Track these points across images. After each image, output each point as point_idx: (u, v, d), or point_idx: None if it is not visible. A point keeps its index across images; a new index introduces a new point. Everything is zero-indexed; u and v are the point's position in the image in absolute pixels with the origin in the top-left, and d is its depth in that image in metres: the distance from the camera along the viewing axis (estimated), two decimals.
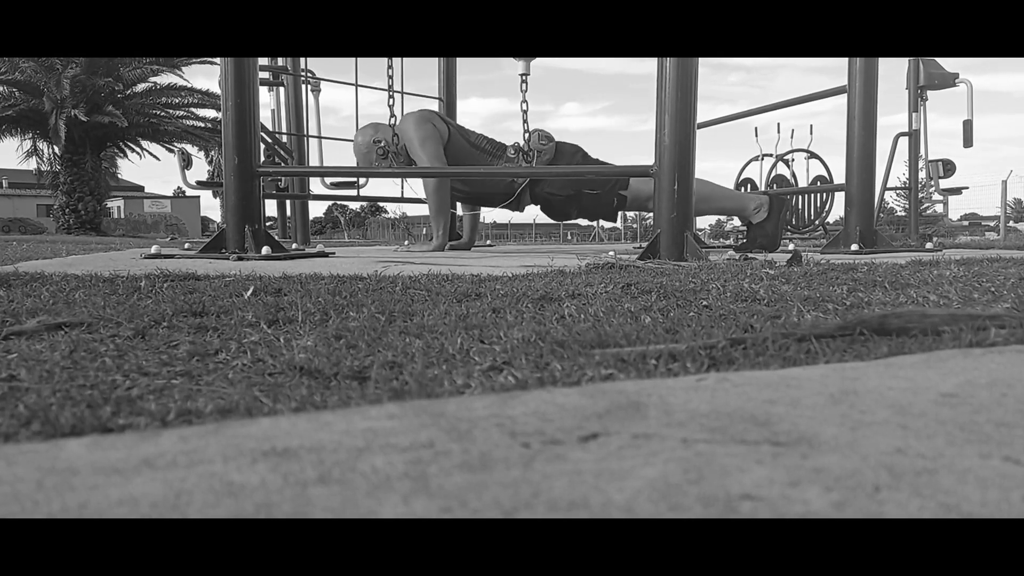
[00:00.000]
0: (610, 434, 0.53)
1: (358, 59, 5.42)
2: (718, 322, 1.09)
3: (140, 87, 19.36)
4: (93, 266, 2.40)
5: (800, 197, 6.06)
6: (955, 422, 0.56)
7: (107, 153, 20.49)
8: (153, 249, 3.27)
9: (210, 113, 19.46)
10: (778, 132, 6.63)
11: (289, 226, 6.22)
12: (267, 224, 3.55)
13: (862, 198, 3.85)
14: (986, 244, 6.24)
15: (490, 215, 4.69)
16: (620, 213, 4.54)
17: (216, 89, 9.11)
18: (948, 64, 6.60)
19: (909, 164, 6.44)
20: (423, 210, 4.35)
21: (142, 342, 0.97)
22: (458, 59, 5.53)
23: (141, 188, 37.91)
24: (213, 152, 4.46)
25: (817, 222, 6.12)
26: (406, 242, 6.30)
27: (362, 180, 5.26)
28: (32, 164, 20.06)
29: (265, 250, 3.06)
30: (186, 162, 4.35)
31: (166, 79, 19.32)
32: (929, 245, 4.41)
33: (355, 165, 4.32)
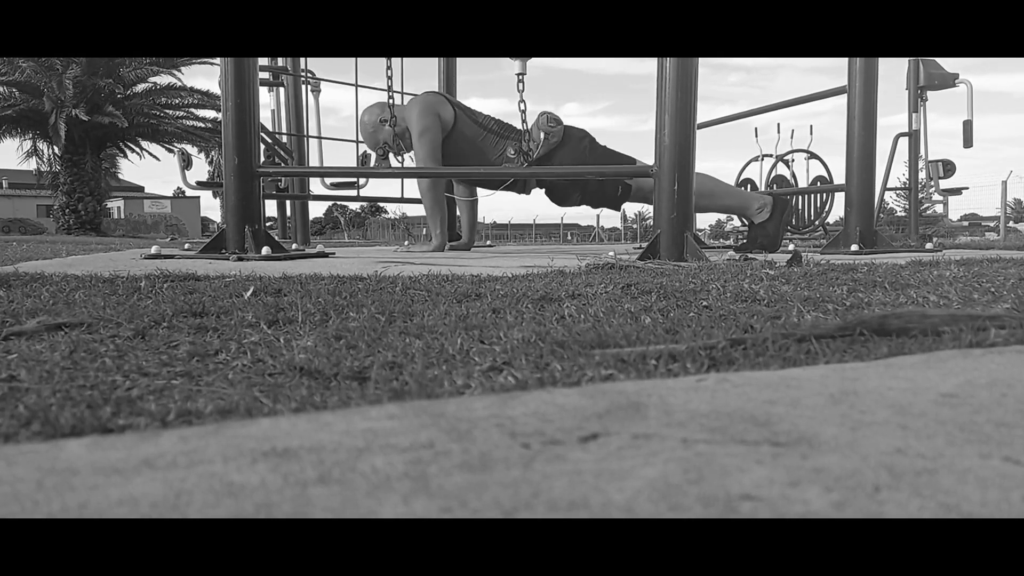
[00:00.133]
0: (610, 434, 0.53)
1: (358, 59, 5.43)
2: (718, 322, 1.09)
3: (140, 87, 19.40)
4: (93, 266, 2.40)
5: (800, 197, 6.05)
6: (955, 422, 0.56)
7: (107, 153, 20.53)
8: (153, 249, 3.27)
9: (210, 113, 19.51)
10: (778, 132, 6.64)
11: (289, 226, 6.22)
12: (267, 224, 3.55)
13: (862, 198, 3.85)
14: (986, 244, 6.24)
15: (490, 215, 4.69)
16: (620, 213, 4.54)
17: (216, 89, 9.12)
18: (948, 64, 6.61)
19: (909, 164, 6.43)
20: (423, 210, 4.34)
21: (142, 342, 0.97)
22: (458, 59, 5.53)
23: (141, 188, 37.93)
24: (213, 152, 4.45)
25: (817, 222, 6.12)
26: (406, 242, 6.30)
27: (362, 180, 5.26)
28: (32, 164, 20.13)
29: (265, 250, 3.06)
30: (186, 162, 4.35)
31: (166, 79, 19.37)
32: (929, 245, 4.41)
33: (355, 165, 4.31)
